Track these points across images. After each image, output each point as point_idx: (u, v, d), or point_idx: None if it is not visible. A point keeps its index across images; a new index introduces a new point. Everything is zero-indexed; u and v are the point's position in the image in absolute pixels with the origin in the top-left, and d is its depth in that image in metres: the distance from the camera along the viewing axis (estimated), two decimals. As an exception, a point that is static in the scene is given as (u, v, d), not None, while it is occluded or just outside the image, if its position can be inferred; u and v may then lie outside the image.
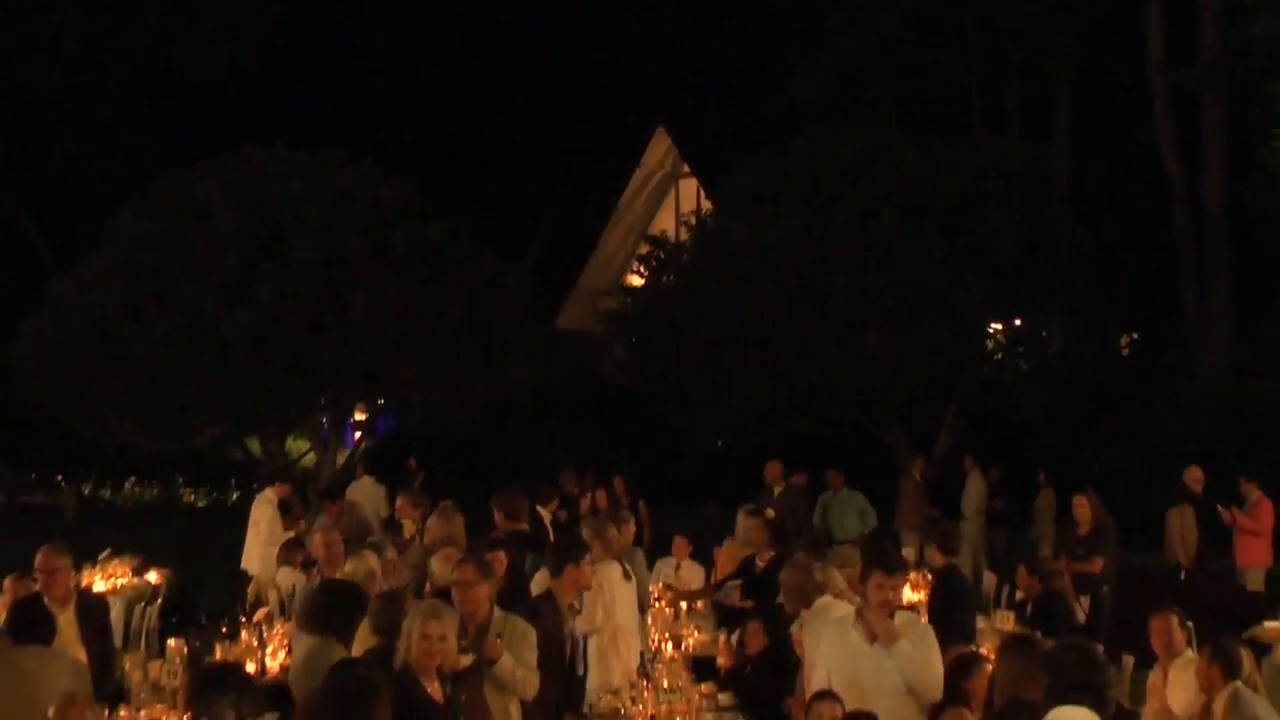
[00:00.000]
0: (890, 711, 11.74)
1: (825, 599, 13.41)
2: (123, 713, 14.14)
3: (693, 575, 22.60)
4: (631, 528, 19.00)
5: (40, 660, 13.00)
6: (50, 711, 11.14)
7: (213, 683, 9.39)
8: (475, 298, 35.35)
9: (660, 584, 21.56)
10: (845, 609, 13.23)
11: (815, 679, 12.61)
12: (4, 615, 15.84)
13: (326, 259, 33.86)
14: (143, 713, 13.85)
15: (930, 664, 11.93)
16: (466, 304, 35.03)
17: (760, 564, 20.02)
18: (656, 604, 19.60)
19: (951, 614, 15.57)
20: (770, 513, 21.45)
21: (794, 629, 15.82)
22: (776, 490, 26.33)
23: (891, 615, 12.16)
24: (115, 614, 21.33)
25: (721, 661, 17.44)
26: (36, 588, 15.51)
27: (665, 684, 14.87)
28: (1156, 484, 26.80)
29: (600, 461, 34.18)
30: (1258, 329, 38.31)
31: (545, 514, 21.97)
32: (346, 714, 9.67)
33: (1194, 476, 24.65)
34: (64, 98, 55.95)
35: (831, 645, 12.44)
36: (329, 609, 13.29)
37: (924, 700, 11.71)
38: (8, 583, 18.33)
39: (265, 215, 34.36)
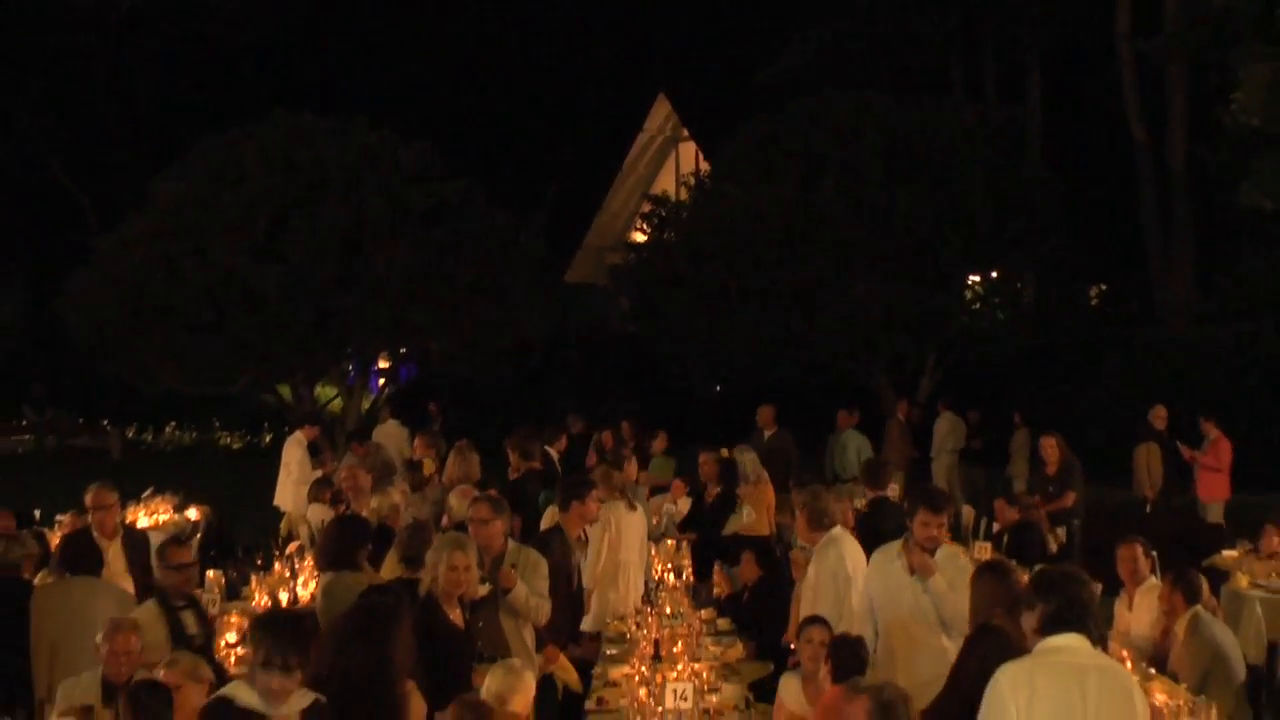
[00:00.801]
0: (925, 642, 11.77)
1: (837, 529, 13.38)
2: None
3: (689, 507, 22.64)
4: (634, 466, 19.13)
5: (90, 590, 13.05)
6: (98, 638, 11.17)
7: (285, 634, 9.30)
8: (489, 253, 35.69)
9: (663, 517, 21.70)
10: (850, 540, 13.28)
11: (855, 600, 12.63)
12: (56, 549, 15.94)
13: (351, 218, 34.24)
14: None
15: (961, 600, 11.91)
16: (481, 259, 35.41)
17: (708, 499, 20.18)
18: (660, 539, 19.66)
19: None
20: (724, 451, 21.49)
21: (794, 553, 15.90)
22: (768, 434, 26.29)
23: (933, 551, 12.16)
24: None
25: (717, 591, 17.51)
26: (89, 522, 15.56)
27: (668, 610, 14.97)
28: (1123, 424, 26.78)
29: (606, 406, 34.21)
30: (1216, 280, 38.29)
31: (554, 453, 22.12)
32: (369, 636, 9.72)
33: (1158, 416, 24.69)
34: (106, 67, 55.97)
35: (875, 573, 12.39)
36: (337, 544, 13.41)
37: (954, 633, 11.70)
38: (66, 519, 18.40)
39: (294, 177, 34.64)
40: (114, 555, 14.49)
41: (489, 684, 10.10)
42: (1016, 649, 9.31)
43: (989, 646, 10.06)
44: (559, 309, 39.81)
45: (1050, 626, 7.64)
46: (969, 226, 34.63)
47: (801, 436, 25.17)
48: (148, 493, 24.00)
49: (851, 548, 12.94)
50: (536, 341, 38.05)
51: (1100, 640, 8.16)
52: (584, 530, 15.71)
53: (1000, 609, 10.28)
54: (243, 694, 8.73)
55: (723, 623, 15.41)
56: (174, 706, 9.81)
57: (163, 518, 23.26)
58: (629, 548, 16.49)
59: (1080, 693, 7.50)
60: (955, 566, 12.11)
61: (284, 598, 15.45)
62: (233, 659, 13.06)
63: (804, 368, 35.26)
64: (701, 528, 20.46)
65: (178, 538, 11.63)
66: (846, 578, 12.60)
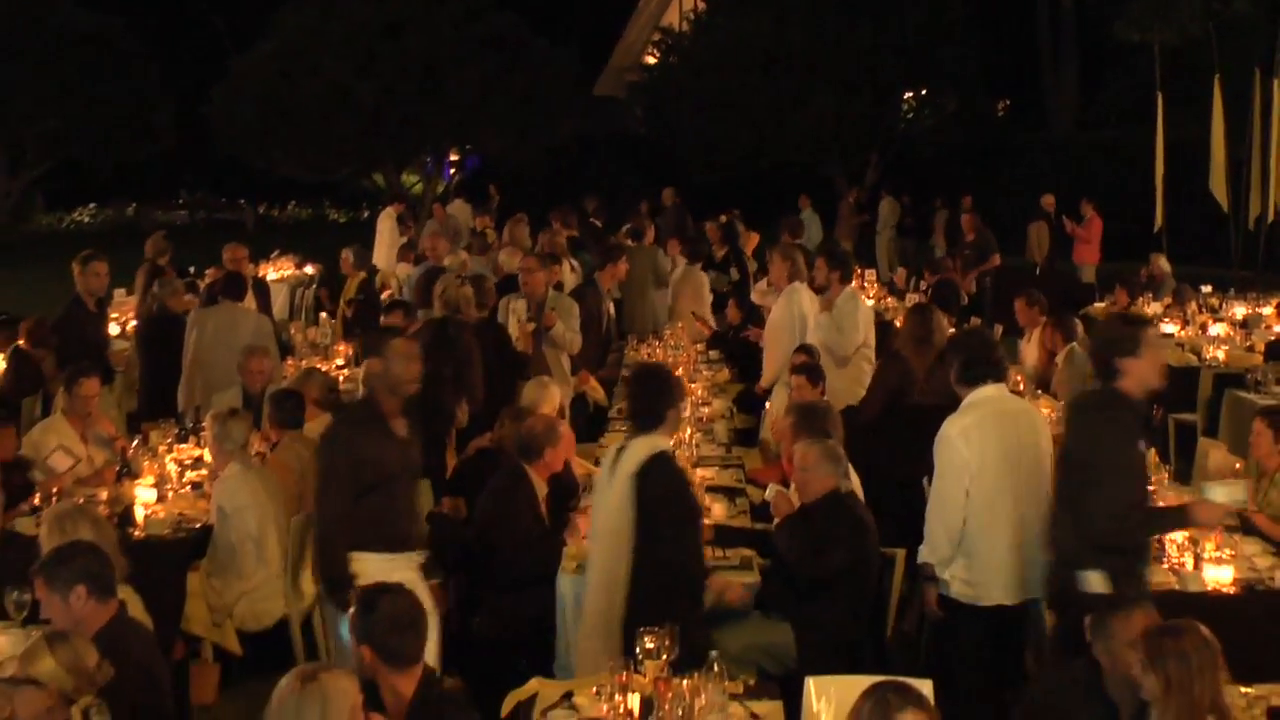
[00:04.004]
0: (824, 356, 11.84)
1: (797, 282, 13.27)
2: (289, 362, 14.25)
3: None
4: (652, 233, 19.11)
5: (234, 314, 13.03)
6: (240, 355, 11.21)
7: None
8: (534, 72, 36.26)
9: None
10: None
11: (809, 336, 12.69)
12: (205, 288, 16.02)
13: (428, 43, 35.02)
14: (303, 362, 13.95)
15: (840, 330, 11.96)
16: (527, 76, 36.00)
17: (717, 258, 20.08)
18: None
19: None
20: (723, 218, 21.57)
21: (755, 296, 15.93)
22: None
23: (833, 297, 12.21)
24: (283, 296, 21.53)
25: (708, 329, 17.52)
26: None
27: (672, 343, 15.06)
28: (1020, 206, 26.67)
29: (626, 190, 34.19)
30: (1095, 93, 38.08)
31: (597, 224, 22.42)
32: (432, 352, 9.65)
33: (1047, 200, 24.57)
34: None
35: (808, 309, 12.54)
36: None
37: (834, 356, 11.77)
38: (210, 273, 18.37)
39: (384, 11, 35.36)
40: (247, 300, 14.50)
41: (524, 394, 10.21)
42: (912, 372, 9.36)
43: (898, 366, 10.39)
44: (587, 116, 40.13)
45: (968, 375, 7.51)
46: (905, 54, 35.14)
47: (775, 212, 24.93)
48: (275, 254, 24.05)
49: (808, 296, 12.90)
50: (570, 140, 39.07)
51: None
52: (614, 284, 15.79)
53: (914, 341, 10.39)
54: None
55: (713, 354, 15.49)
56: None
57: (286, 273, 23.33)
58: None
59: (1015, 434, 7.44)
60: (842, 303, 12.11)
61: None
62: (342, 379, 13.11)
63: (776, 162, 35.30)
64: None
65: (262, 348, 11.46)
66: (803, 317, 12.58)
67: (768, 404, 12.13)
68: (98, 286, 13.23)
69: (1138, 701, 5.65)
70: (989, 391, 7.57)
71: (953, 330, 11.07)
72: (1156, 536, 7.79)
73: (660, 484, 7.16)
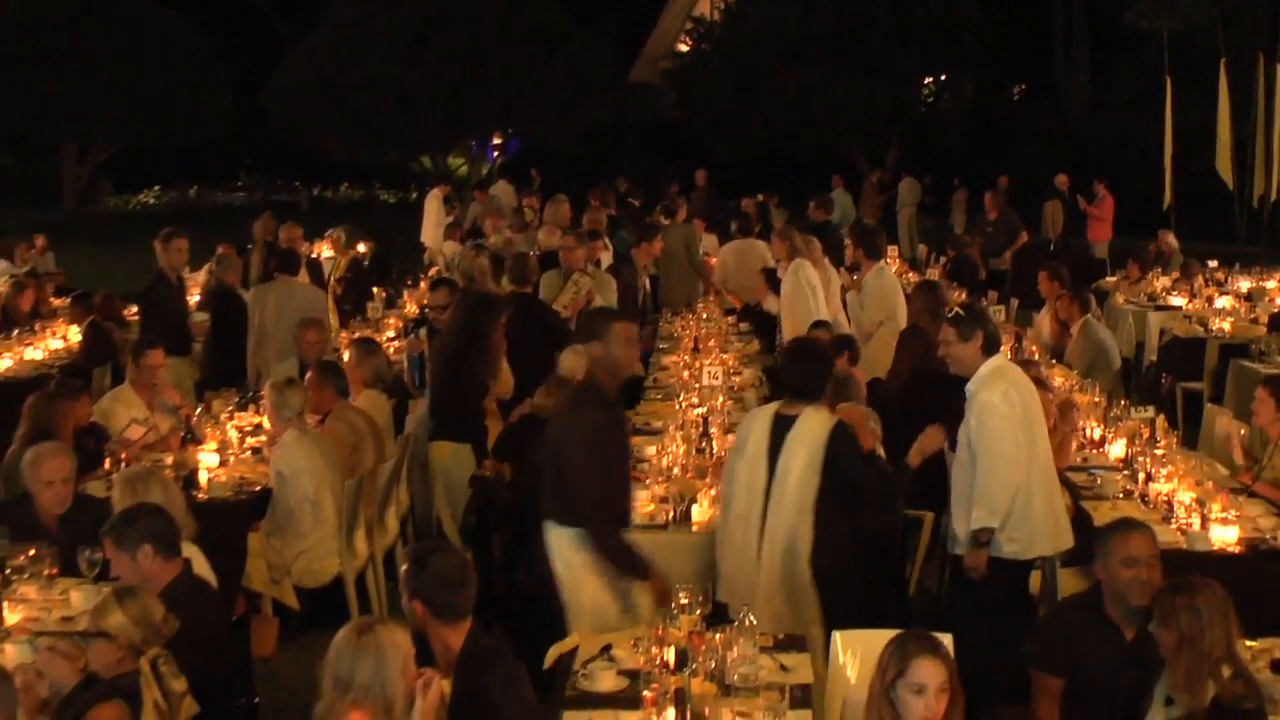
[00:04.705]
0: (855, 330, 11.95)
1: (799, 258, 13.34)
2: (342, 334, 14.28)
3: (709, 243, 22.39)
4: (685, 210, 19.10)
5: (290, 288, 13.09)
6: (296, 327, 11.23)
7: None
8: (572, 60, 36.42)
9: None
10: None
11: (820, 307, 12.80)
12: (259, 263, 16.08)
13: (472, 33, 35.21)
14: (356, 333, 13.94)
15: (862, 306, 12.12)
16: (567, 64, 36.13)
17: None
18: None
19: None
20: (760, 196, 21.73)
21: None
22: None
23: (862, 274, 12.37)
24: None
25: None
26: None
27: (704, 315, 15.18)
28: (1035, 185, 26.53)
29: (658, 172, 34.13)
30: (1106, 77, 37.92)
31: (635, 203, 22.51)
32: (472, 323, 9.83)
33: (1061, 180, 24.42)
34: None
35: (815, 281, 12.69)
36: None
37: (860, 331, 11.87)
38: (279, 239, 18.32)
39: (430, 3, 35.74)
40: (300, 275, 14.54)
41: (562, 362, 10.22)
42: (931, 342, 9.36)
43: (919, 338, 10.36)
44: (623, 101, 40.20)
45: (991, 347, 7.44)
46: (926, 42, 35.33)
47: (799, 192, 24.80)
48: (328, 232, 24.03)
49: (811, 270, 13.03)
50: (607, 124, 39.19)
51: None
52: (650, 261, 15.79)
53: (927, 314, 10.51)
54: None
55: (744, 326, 15.48)
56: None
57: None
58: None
59: (1032, 396, 7.45)
60: (871, 280, 12.39)
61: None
62: (392, 350, 13.12)
63: (802, 144, 35.31)
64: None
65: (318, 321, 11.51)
66: (812, 288, 12.66)
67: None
68: (179, 261, 13.32)
69: (1136, 618, 5.79)
70: (1000, 360, 7.56)
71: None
72: (1165, 498, 8.08)
73: (854, 451, 7.32)
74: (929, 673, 4.84)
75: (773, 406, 7.57)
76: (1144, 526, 6.14)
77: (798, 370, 7.56)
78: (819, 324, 11.74)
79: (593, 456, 6.94)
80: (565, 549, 6.97)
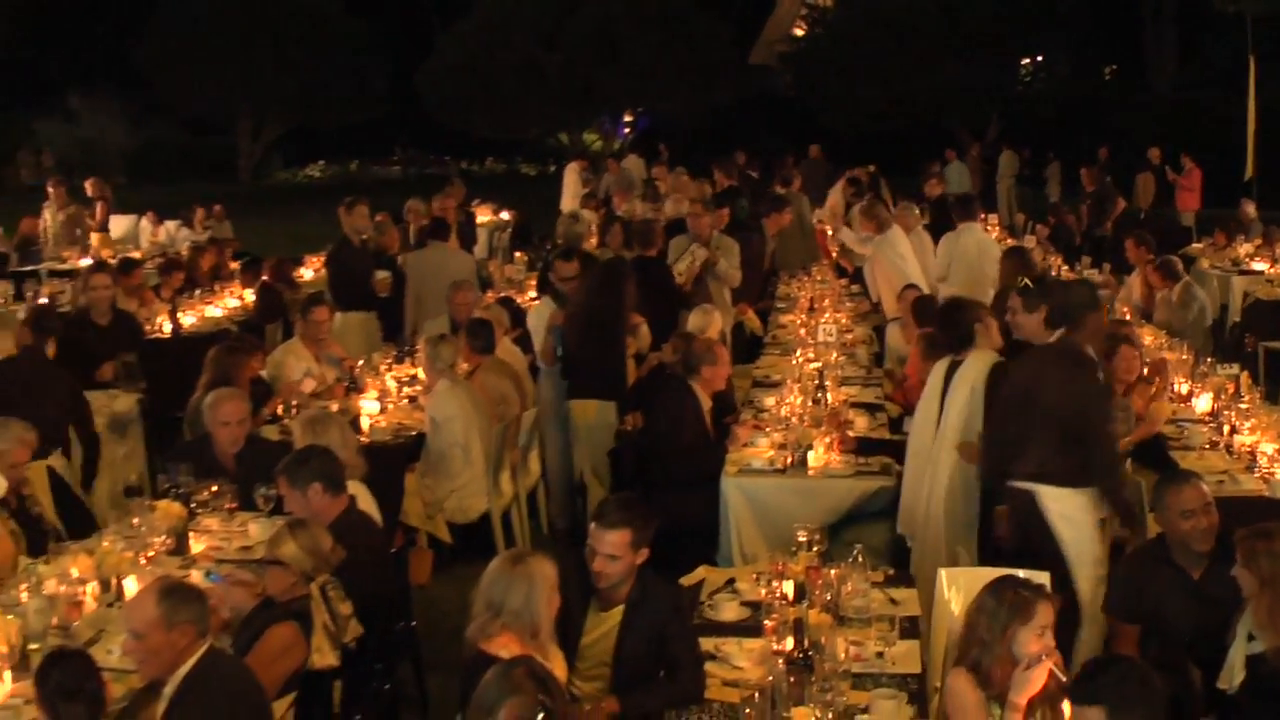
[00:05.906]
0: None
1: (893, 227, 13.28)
2: (488, 295, 14.30)
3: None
4: (799, 182, 18.94)
5: (443, 253, 13.14)
6: (448, 289, 11.25)
7: None
8: (697, 43, 36.62)
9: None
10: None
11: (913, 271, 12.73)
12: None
13: (605, 18, 35.83)
14: (499, 295, 13.93)
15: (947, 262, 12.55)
16: (691, 47, 36.42)
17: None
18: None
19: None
20: (872, 167, 21.52)
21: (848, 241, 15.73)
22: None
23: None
24: (482, 238, 21.62)
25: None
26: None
27: (819, 278, 15.09)
28: (1127, 159, 26.06)
29: (774, 146, 33.96)
30: (1193, 57, 37.26)
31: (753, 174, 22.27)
32: (608, 286, 9.74)
33: (1153, 154, 24.11)
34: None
35: (905, 250, 12.91)
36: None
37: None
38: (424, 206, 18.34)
39: None
40: (451, 241, 14.59)
41: (690, 320, 10.20)
42: None
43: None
44: (743, 82, 39.94)
45: (1056, 320, 7.02)
46: (1023, 24, 35.14)
47: (909, 164, 24.58)
48: (475, 201, 24.17)
49: (900, 238, 13.12)
50: (728, 102, 38.96)
51: None
52: (779, 230, 15.64)
53: (1013, 279, 10.23)
54: None
55: (855, 287, 15.36)
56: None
57: (485, 218, 23.45)
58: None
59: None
60: (968, 239, 12.52)
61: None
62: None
63: (908, 121, 35.00)
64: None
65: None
66: (900, 257, 12.73)
67: (887, 339, 12.02)
68: (362, 225, 13.39)
69: (1200, 560, 5.83)
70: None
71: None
72: (1249, 449, 7.97)
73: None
74: (1047, 614, 4.81)
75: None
76: (1193, 478, 6.04)
77: (947, 327, 7.68)
78: (909, 287, 11.66)
79: (1108, 418, 6.94)
80: (1074, 509, 6.65)
